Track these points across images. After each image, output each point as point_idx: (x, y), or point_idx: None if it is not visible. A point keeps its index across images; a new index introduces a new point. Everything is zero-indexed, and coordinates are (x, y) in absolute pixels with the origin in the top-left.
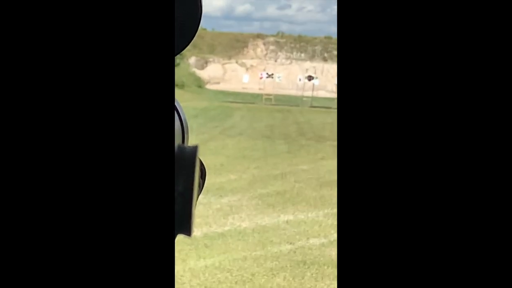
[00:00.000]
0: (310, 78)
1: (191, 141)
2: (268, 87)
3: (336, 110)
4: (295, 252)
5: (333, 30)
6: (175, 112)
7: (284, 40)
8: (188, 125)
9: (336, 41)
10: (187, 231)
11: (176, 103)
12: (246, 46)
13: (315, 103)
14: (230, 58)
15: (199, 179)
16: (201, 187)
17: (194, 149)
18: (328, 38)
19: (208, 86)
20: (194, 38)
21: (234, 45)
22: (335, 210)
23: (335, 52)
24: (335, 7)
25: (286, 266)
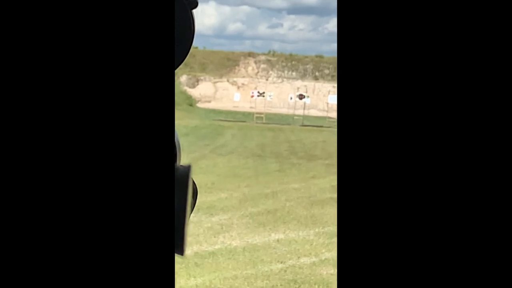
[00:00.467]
0: (301, 96)
1: (182, 160)
2: (259, 106)
3: (327, 129)
4: (285, 271)
5: (324, 49)
6: None
7: (275, 58)
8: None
9: (327, 60)
10: (180, 250)
11: None
12: (238, 65)
13: (306, 122)
14: (221, 76)
15: (191, 199)
16: (192, 207)
17: (187, 169)
18: (320, 56)
19: (199, 105)
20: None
21: (225, 64)
22: (326, 229)
23: (327, 71)
24: (327, 25)
25: (277, 285)
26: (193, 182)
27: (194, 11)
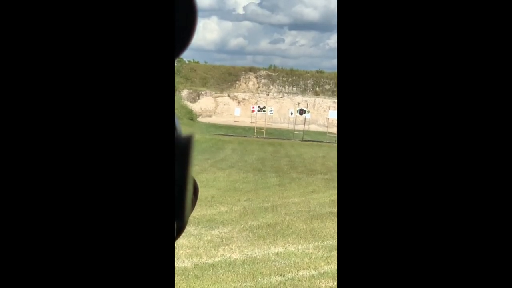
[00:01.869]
0: (302, 112)
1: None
2: (260, 121)
3: (327, 144)
4: (285, 283)
5: (325, 64)
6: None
7: (276, 73)
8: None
9: (327, 76)
10: (180, 220)
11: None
12: (238, 80)
13: (306, 137)
14: (222, 91)
15: (192, 195)
16: (194, 203)
17: (189, 138)
18: (320, 72)
19: (200, 119)
20: (187, 71)
21: (226, 78)
22: (325, 243)
23: (327, 86)
24: (328, 41)
25: None
26: (195, 180)
27: (197, 25)
